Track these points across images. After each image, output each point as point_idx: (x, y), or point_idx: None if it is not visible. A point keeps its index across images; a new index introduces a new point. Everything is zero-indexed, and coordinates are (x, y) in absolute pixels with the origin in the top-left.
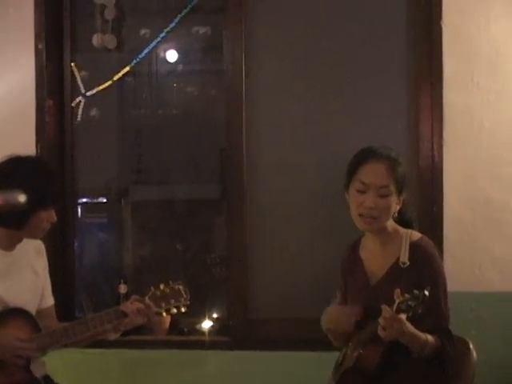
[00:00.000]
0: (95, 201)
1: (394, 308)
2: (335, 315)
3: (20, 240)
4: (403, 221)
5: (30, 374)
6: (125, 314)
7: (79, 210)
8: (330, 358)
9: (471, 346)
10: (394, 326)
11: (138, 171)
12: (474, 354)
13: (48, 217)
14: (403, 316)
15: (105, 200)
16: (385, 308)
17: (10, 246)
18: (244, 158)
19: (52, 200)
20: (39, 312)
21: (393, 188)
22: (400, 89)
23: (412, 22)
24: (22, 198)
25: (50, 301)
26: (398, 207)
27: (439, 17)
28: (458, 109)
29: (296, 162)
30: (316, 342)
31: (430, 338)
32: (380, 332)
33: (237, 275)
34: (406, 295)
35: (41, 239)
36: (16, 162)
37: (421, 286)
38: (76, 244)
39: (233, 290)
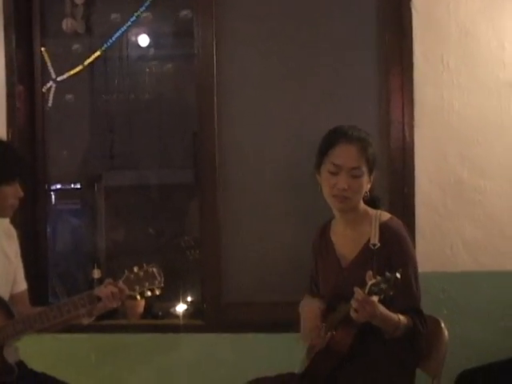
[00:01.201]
0: (69, 187)
1: (366, 290)
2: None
3: None
4: (371, 199)
5: (3, 359)
6: (98, 298)
7: (53, 196)
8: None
9: (443, 325)
10: (366, 309)
11: (111, 157)
12: (446, 333)
13: (13, 192)
14: (375, 298)
15: (78, 186)
16: (357, 290)
17: None
18: (216, 142)
19: (12, 173)
20: (12, 297)
21: (364, 169)
22: (371, 71)
23: (382, 6)
24: None
25: (22, 285)
26: (369, 186)
27: None
28: (429, 90)
29: (268, 145)
30: (289, 324)
31: (402, 318)
32: (352, 314)
33: (210, 259)
34: (378, 277)
35: (13, 225)
36: None
37: (391, 268)
38: (49, 230)
39: (206, 273)
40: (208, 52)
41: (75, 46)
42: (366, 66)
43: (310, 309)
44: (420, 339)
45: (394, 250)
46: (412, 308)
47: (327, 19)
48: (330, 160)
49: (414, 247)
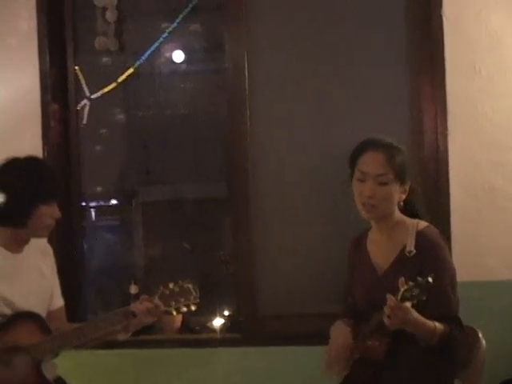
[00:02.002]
0: (107, 204)
1: (399, 296)
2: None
3: (26, 241)
4: (410, 211)
5: (41, 375)
6: (134, 314)
7: (93, 213)
8: None
9: (480, 335)
10: (399, 315)
11: (146, 172)
12: (484, 343)
13: (51, 212)
14: (408, 304)
15: (115, 202)
16: (389, 297)
17: (16, 247)
18: (248, 155)
19: (51, 194)
20: (49, 314)
21: (391, 176)
22: (402, 81)
23: (412, 14)
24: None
25: (59, 302)
26: (402, 196)
27: (439, 7)
28: (461, 99)
29: (300, 157)
30: (324, 336)
31: (438, 325)
32: (385, 320)
33: (244, 272)
34: (410, 283)
35: (49, 242)
36: (13, 163)
37: (425, 274)
38: (87, 246)
39: (241, 287)
40: (239, 65)
41: (108, 64)
42: (398, 75)
43: (339, 337)
44: (458, 348)
45: (429, 258)
46: (449, 316)
47: (357, 30)
48: (358, 168)
49: (451, 256)
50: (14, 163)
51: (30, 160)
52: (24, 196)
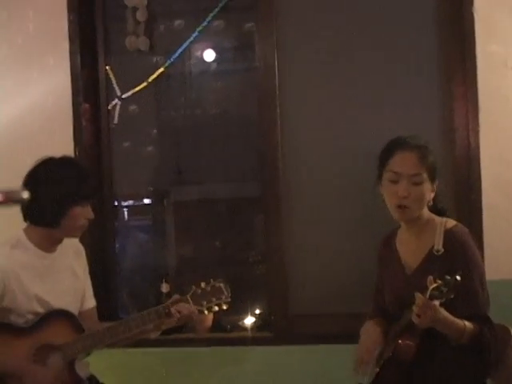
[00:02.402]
0: (140, 203)
1: (427, 295)
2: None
3: (60, 241)
4: (437, 209)
5: (74, 374)
6: (167, 314)
7: (125, 212)
8: None
9: None
10: (428, 313)
11: (178, 172)
12: None
13: (85, 213)
14: (436, 302)
15: (149, 201)
16: (418, 295)
17: (49, 247)
18: (279, 154)
19: (85, 196)
20: (81, 314)
21: (425, 176)
22: (434, 78)
23: (443, 12)
24: (24, 194)
25: (91, 302)
26: (432, 195)
27: (470, 4)
28: (493, 96)
29: (331, 156)
30: (354, 335)
31: (468, 324)
32: (414, 319)
33: (276, 272)
34: (439, 281)
35: (82, 242)
36: (48, 162)
37: (454, 272)
38: (119, 246)
39: (273, 286)
40: (269, 64)
41: (139, 63)
42: (429, 73)
43: (369, 338)
44: (488, 346)
45: (458, 256)
46: (479, 315)
47: (388, 27)
48: (390, 169)
49: (482, 255)
50: (49, 163)
51: (65, 160)
52: (58, 197)
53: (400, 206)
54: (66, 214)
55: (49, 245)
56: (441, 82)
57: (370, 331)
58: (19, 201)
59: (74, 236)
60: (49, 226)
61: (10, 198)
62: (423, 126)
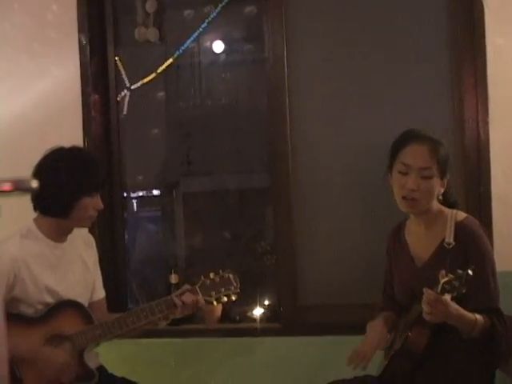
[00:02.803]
0: (149, 194)
1: (439, 289)
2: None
3: (70, 231)
4: (448, 203)
5: (84, 364)
6: (175, 304)
7: (135, 203)
8: None
9: None
10: (439, 308)
11: (188, 163)
12: None
13: (94, 204)
14: (448, 297)
15: (158, 192)
16: (427, 291)
17: (59, 236)
18: (289, 145)
19: (94, 186)
20: (90, 305)
21: (435, 170)
22: (443, 69)
23: (453, 2)
24: (34, 183)
25: (100, 293)
26: (442, 190)
27: None
28: (503, 87)
29: (341, 147)
30: (364, 326)
31: (479, 317)
32: (425, 316)
33: (285, 263)
34: (450, 275)
35: (91, 233)
36: (57, 153)
37: (466, 266)
38: (130, 236)
39: (282, 277)
40: (279, 55)
41: (148, 54)
42: (439, 64)
43: (373, 334)
44: (499, 339)
45: (470, 249)
46: (490, 307)
47: (398, 19)
48: (400, 160)
49: (492, 246)
50: (59, 153)
51: (75, 150)
52: (68, 187)
53: (406, 198)
54: (76, 205)
55: (59, 235)
56: (450, 73)
57: (378, 330)
58: (28, 190)
59: (83, 226)
60: (58, 217)
61: (19, 187)
62: (433, 118)
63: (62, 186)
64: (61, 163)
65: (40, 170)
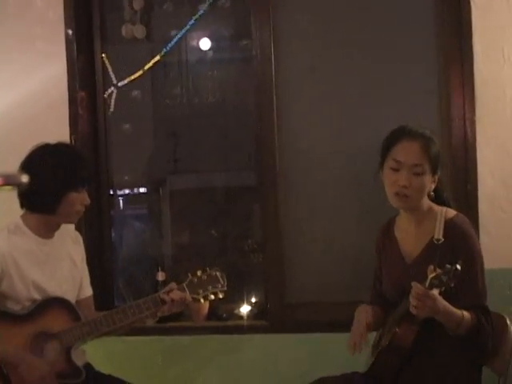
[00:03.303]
0: (136, 192)
1: (427, 283)
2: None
3: (57, 227)
4: (439, 200)
5: (70, 362)
6: (163, 302)
7: (121, 201)
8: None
9: (509, 323)
10: (427, 303)
11: (174, 160)
12: None
13: (81, 199)
14: (436, 291)
15: (144, 190)
16: (415, 285)
17: (47, 233)
18: (276, 143)
19: (81, 181)
20: (78, 302)
21: (427, 167)
22: (431, 68)
23: (440, 1)
24: (24, 178)
25: (88, 291)
26: (433, 186)
27: None
28: (490, 85)
29: (328, 145)
30: (352, 323)
31: (466, 314)
32: (412, 310)
33: (273, 261)
34: (439, 270)
35: (78, 230)
36: (44, 149)
37: (454, 262)
38: (116, 234)
39: (269, 274)
40: (266, 53)
41: (135, 51)
42: (426, 62)
43: (360, 314)
44: (485, 336)
45: (459, 246)
46: (477, 305)
47: (386, 16)
48: (392, 157)
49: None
50: (45, 149)
51: (61, 146)
52: (54, 182)
53: (399, 194)
54: (62, 200)
55: (46, 231)
56: (438, 73)
57: (365, 310)
58: (18, 184)
59: (70, 222)
60: (45, 213)
61: (9, 182)
62: (420, 116)
63: (48, 181)
64: (47, 159)
65: (26, 166)
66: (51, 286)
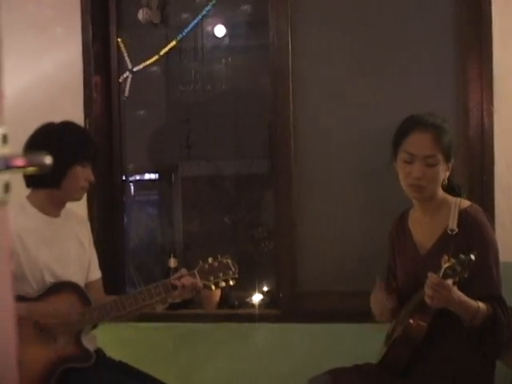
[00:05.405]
0: (148, 178)
1: (441, 273)
2: (373, 304)
3: (62, 204)
4: (452, 187)
5: (81, 346)
6: (174, 287)
7: (132, 187)
8: (377, 329)
9: None
10: (442, 293)
11: (187, 147)
12: None
13: (86, 174)
14: (450, 281)
15: (157, 176)
16: (431, 275)
17: (53, 210)
18: (291, 131)
19: (86, 156)
20: (87, 285)
21: (440, 157)
22: (449, 58)
23: None
24: (48, 159)
25: (97, 274)
26: (447, 174)
27: None
28: (508, 77)
29: (343, 134)
30: (364, 314)
31: (481, 305)
32: (427, 299)
33: (284, 249)
34: (453, 260)
35: (90, 216)
36: (49, 126)
37: (468, 252)
38: (128, 220)
39: (281, 263)
40: (283, 41)
41: (151, 36)
42: (445, 53)
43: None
44: (501, 328)
45: (473, 236)
46: (492, 295)
47: (404, 7)
48: (404, 149)
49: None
50: (50, 126)
51: (65, 123)
52: (60, 156)
53: (413, 186)
54: (67, 173)
55: (52, 208)
56: (456, 62)
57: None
58: (42, 165)
59: (75, 198)
60: (50, 187)
61: (32, 163)
62: (437, 106)
63: (54, 154)
64: (52, 135)
65: (32, 143)
66: (60, 267)
